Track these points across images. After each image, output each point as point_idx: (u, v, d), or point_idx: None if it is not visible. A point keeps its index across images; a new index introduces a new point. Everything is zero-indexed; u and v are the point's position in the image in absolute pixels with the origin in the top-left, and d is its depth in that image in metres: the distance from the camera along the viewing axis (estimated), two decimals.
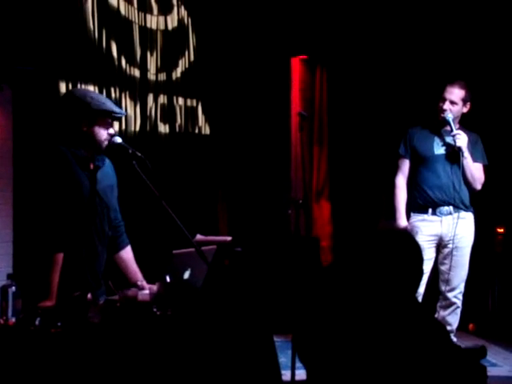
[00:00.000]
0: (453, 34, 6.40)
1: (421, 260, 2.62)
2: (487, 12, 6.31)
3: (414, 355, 2.44)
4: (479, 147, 5.13)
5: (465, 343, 5.33)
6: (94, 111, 3.54)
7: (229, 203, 6.35)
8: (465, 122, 5.14)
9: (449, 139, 5.06)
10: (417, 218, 5.10)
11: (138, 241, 4.06)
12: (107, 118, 3.60)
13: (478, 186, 5.09)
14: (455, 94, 5.02)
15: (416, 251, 2.60)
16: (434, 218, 5.05)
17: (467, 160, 4.98)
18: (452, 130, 4.99)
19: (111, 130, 3.62)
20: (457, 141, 4.95)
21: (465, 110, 5.07)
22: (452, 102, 5.01)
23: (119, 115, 3.75)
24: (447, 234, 5.03)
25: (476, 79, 5.87)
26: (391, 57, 6.62)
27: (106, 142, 3.59)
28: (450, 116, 4.99)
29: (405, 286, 2.55)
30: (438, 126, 5.11)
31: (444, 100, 5.02)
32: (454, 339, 4.97)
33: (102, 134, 3.58)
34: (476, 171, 5.06)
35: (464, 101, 5.03)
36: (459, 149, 4.95)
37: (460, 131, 5.00)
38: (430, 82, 6.00)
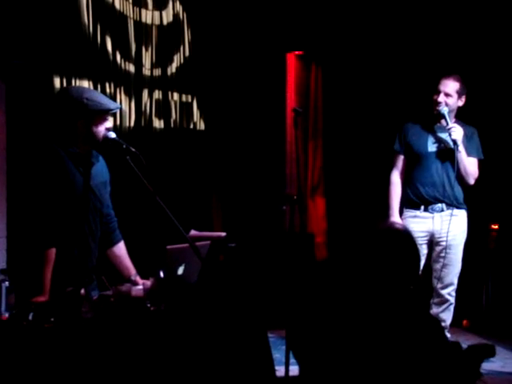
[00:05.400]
0: (447, 28, 6.40)
1: (418, 258, 2.62)
2: (482, 5, 6.31)
3: (409, 351, 2.45)
4: (475, 141, 5.12)
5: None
6: (90, 112, 3.54)
7: (223, 199, 6.35)
8: (462, 116, 5.13)
9: (443, 135, 5.05)
10: (409, 214, 5.10)
11: (131, 236, 4.06)
12: (104, 116, 3.61)
13: (471, 181, 5.08)
14: (449, 86, 5.01)
15: (413, 250, 2.61)
16: (426, 214, 5.05)
17: (461, 154, 4.97)
18: (447, 124, 4.98)
19: (108, 124, 3.63)
20: (452, 134, 4.93)
21: (460, 103, 5.06)
22: (447, 95, 5.00)
23: (115, 110, 3.76)
24: (439, 231, 5.03)
25: (473, 73, 5.87)
26: (386, 52, 6.61)
27: (102, 137, 3.60)
28: (445, 109, 4.98)
29: (401, 284, 2.55)
30: (433, 122, 5.11)
31: (438, 92, 5.01)
32: (448, 335, 4.98)
33: (100, 130, 3.58)
34: (470, 166, 5.05)
35: (459, 93, 5.02)
36: (454, 141, 4.93)
37: (455, 124, 4.99)
38: (424, 77, 5.99)
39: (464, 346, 2.68)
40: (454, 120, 5.06)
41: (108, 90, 5.47)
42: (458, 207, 5.06)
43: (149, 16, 5.80)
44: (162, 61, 5.87)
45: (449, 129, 4.96)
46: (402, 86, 6.51)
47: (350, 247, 2.66)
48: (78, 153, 3.57)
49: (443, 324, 4.96)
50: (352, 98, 6.76)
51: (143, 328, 3.11)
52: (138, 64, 5.71)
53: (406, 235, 2.66)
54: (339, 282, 2.61)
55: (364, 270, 2.56)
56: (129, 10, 5.65)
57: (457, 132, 4.94)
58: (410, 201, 5.10)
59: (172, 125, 5.97)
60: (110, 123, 3.65)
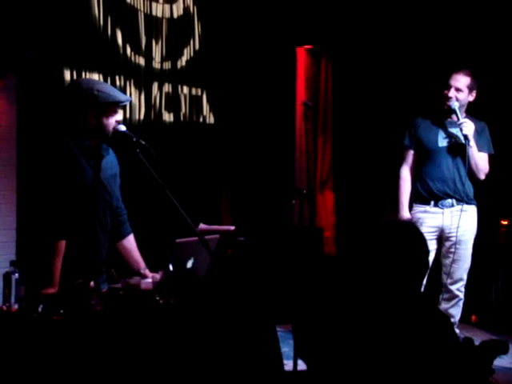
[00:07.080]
0: (458, 22, 6.37)
1: (426, 252, 2.61)
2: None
3: (418, 347, 2.44)
4: (485, 136, 5.10)
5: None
6: (101, 104, 3.54)
7: (232, 193, 6.35)
8: (472, 111, 5.11)
9: (454, 130, 5.04)
10: (419, 209, 5.09)
11: (141, 229, 4.06)
12: (114, 108, 3.60)
13: (482, 176, 5.07)
14: (461, 80, 4.99)
15: (421, 243, 2.59)
16: (436, 209, 5.04)
17: (473, 149, 4.96)
18: (458, 119, 4.96)
19: (118, 117, 3.62)
20: (463, 129, 4.92)
21: (471, 98, 5.04)
22: (457, 89, 4.97)
23: (125, 103, 3.76)
24: (449, 226, 5.01)
25: (484, 68, 5.84)
26: (396, 47, 6.59)
27: (112, 130, 3.60)
28: (455, 104, 4.96)
29: (409, 278, 2.54)
30: (443, 117, 5.09)
31: (449, 87, 4.98)
32: (457, 331, 4.97)
33: (110, 122, 3.58)
34: (481, 161, 5.03)
35: (470, 88, 4.99)
36: (465, 136, 4.92)
37: (466, 119, 4.97)
38: (435, 71, 5.97)
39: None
40: (464, 115, 5.04)
41: (118, 83, 5.48)
42: (468, 202, 5.04)
43: (159, 9, 5.80)
44: (172, 54, 5.88)
45: (460, 124, 4.94)
46: (413, 80, 6.49)
47: (357, 242, 2.66)
48: (89, 145, 3.57)
49: (452, 320, 4.95)
50: (362, 92, 6.75)
51: (152, 321, 3.11)
52: (148, 57, 5.72)
53: (411, 228, 2.65)
54: (347, 276, 2.61)
55: (371, 264, 2.55)
56: (139, 3, 5.66)
57: (468, 127, 4.92)
58: (420, 196, 5.08)
59: (182, 118, 5.98)
60: (120, 116, 3.65)
